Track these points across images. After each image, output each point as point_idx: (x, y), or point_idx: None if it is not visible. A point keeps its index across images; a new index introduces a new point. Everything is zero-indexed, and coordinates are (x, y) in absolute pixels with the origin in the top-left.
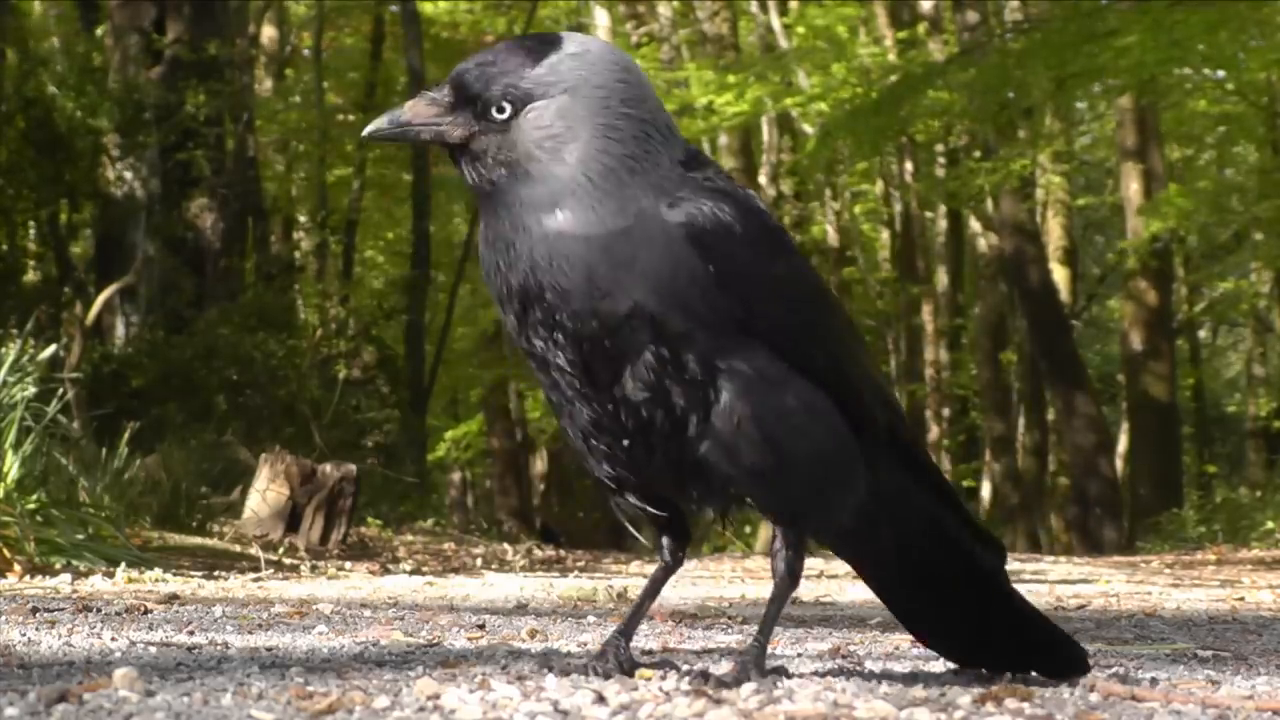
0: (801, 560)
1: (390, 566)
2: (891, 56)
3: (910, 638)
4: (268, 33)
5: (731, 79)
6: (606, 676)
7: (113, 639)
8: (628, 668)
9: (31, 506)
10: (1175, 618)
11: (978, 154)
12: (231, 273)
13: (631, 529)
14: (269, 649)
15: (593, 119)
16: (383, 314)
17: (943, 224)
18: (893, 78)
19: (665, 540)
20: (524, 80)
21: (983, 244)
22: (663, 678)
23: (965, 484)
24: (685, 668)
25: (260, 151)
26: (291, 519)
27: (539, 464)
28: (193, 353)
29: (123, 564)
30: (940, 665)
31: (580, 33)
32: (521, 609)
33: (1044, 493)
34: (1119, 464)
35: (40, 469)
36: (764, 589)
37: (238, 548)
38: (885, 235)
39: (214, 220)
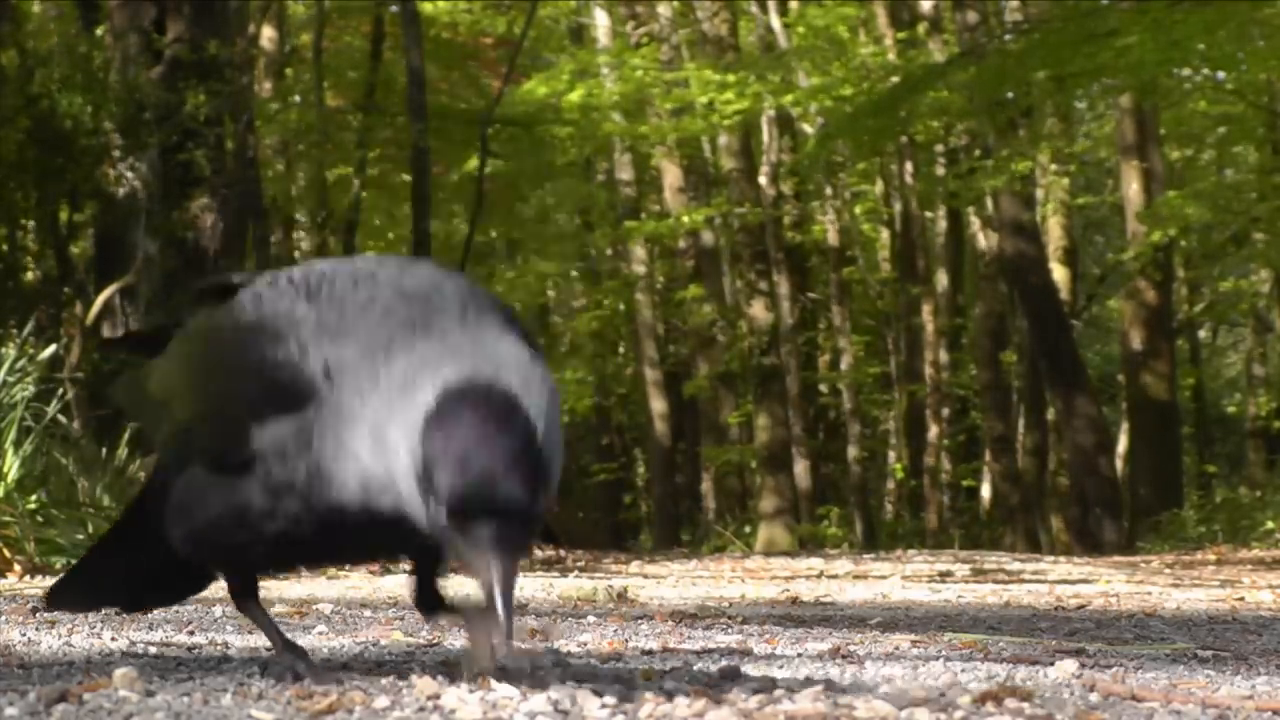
0: None
1: (390, 566)
2: (891, 56)
3: (911, 637)
4: (268, 33)
5: (731, 79)
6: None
7: (113, 639)
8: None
9: (31, 506)
10: (1175, 618)
11: (978, 153)
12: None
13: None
14: (269, 649)
15: None
16: None
17: (943, 224)
18: (893, 78)
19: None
20: None
21: (983, 244)
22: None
23: (965, 484)
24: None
25: (260, 151)
26: None
27: None
28: None
29: None
30: (940, 665)
31: None
32: (521, 609)
33: (1044, 493)
34: (1119, 464)
35: (40, 469)
36: (764, 589)
37: None
38: (885, 235)
39: (214, 220)
